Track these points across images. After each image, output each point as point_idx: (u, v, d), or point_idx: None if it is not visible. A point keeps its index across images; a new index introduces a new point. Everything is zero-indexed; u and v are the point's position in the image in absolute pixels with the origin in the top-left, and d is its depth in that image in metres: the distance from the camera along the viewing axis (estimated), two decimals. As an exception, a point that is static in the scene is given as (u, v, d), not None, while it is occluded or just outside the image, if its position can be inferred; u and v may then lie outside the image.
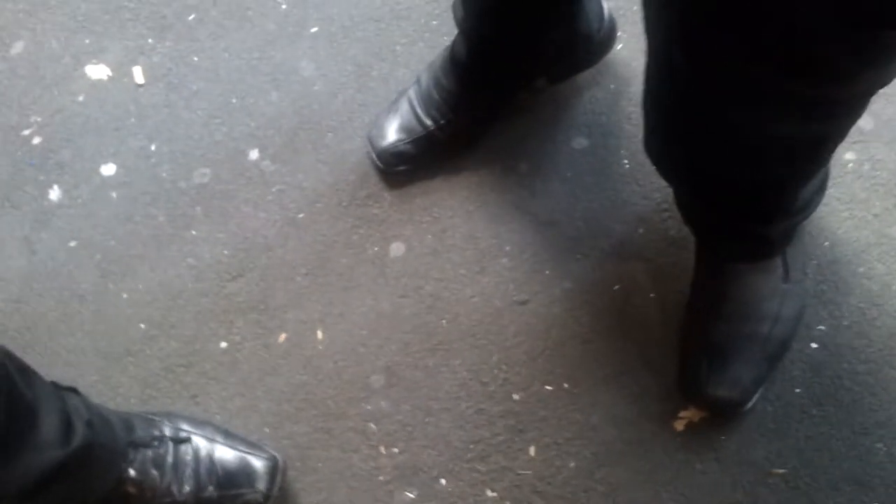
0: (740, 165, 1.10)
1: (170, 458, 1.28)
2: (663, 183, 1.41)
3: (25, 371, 1.13)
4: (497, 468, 1.34)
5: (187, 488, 1.27)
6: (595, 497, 1.31)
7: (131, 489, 1.25)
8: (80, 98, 1.72)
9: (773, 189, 1.16)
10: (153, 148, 1.65)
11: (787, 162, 1.08)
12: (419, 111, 1.52)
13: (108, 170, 1.64)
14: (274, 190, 1.57)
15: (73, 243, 1.57)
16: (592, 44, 1.50)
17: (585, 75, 1.55)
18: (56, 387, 1.19)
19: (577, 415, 1.36)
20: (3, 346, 1.10)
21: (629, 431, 1.34)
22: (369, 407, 1.39)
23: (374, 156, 1.54)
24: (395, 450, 1.37)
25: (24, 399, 1.08)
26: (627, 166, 1.51)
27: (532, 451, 1.35)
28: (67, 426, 1.15)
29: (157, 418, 1.32)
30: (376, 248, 1.50)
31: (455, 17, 1.41)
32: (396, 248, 1.50)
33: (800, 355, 1.35)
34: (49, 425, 1.12)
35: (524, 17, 1.36)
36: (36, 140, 1.69)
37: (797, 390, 1.33)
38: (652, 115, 1.17)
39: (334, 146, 1.60)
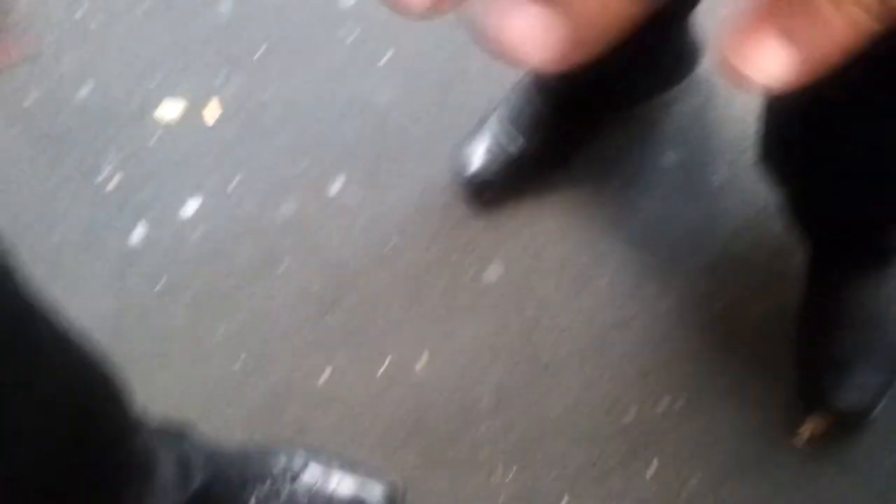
0: (864, 169, 1.09)
1: (286, 490, 1.25)
2: (758, 195, 1.41)
3: (142, 417, 1.11)
4: (617, 489, 1.31)
5: (305, 522, 1.25)
6: (720, 513, 1.28)
7: (251, 525, 1.22)
8: (154, 138, 1.70)
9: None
10: (233, 185, 1.63)
11: None
12: (506, 134, 1.50)
13: (191, 208, 1.62)
14: (361, 220, 1.56)
15: (159, 285, 1.55)
16: (682, 63, 1.49)
17: (674, 91, 1.54)
18: (168, 427, 1.17)
19: (694, 431, 1.33)
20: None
21: (750, 445, 1.32)
22: (482, 430, 1.37)
23: (461, 181, 1.52)
24: (509, 475, 1.34)
25: (142, 445, 1.06)
26: (719, 180, 1.49)
27: (652, 469, 1.32)
28: (185, 468, 1.12)
29: (272, 450, 1.29)
30: (472, 273, 1.48)
31: None
32: (492, 273, 1.48)
33: (921, 358, 1.33)
34: (167, 469, 1.09)
35: (621, 45, 1.35)
36: (112, 184, 1.67)
37: (923, 394, 1.31)
38: (772, 120, 1.15)
39: (419, 173, 1.58)
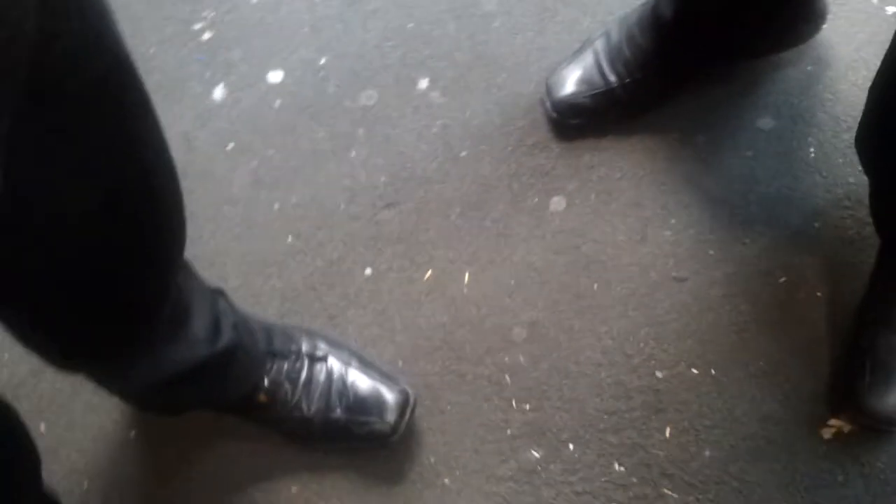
0: None
1: (304, 374, 1.27)
2: (848, 179, 1.35)
3: (187, 268, 1.12)
4: (629, 443, 1.29)
5: (316, 406, 1.26)
6: (726, 491, 1.26)
7: (262, 398, 1.24)
8: None
9: None
10: (323, 62, 1.62)
11: None
12: (604, 65, 1.46)
13: (276, 77, 1.62)
14: (439, 123, 1.53)
15: (230, 146, 1.56)
16: (802, 22, 1.42)
17: (785, 53, 1.47)
18: (206, 286, 1.18)
19: (720, 403, 1.30)
20: None
21: (772, 430, 1.28)
22: (507, 359, 1.35)
23: (548, 104, 1.48)
24: (527, 406, 1.33)
25: (182, 294, 1.07)
26: (813, 155, 1.43)
27: (668, 432, 1.30)
28: (216, 326, 1.14)
29: (296, 332, 1.31)
30: (537, 200, 1.45)
31: None
32: (557, 203, 1.45)
33: (970, 383, 1.27)
34: (200, 323, 1.11)
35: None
36: (206, 35, 1.68)
37: (961, 419, 1.26)
38: (880, 102, 1.10)
39: (507, 87, 1.55)
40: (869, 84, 1.14)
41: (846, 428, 1.27)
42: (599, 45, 1.47)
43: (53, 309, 0.90)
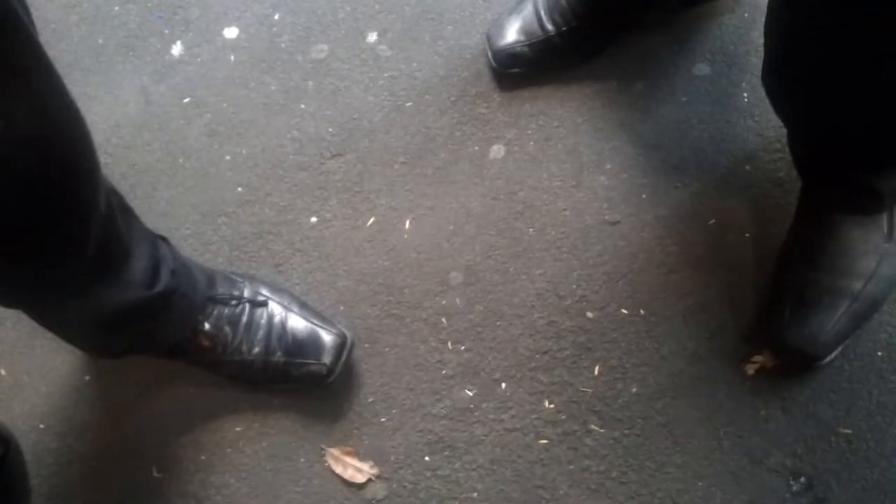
0: (863, 107, 1.06)
1: (244, 319, 1.31)
2: (781, 123, 1.37)
3: (128, 212, 1.16)
4: (559, 381, 1.34)
5: (256, 350, 1.31)
6: (651, 426, 1.30)
7: (204, 342, 1.29)
8: (215, -42, 1.74)
9: (891, 135, 1.11)
10: (276, 17, 1.66)
11: None
12: (543, 14, 1.49)
13: (231, 33, 1.66)
14: (386, 75, 1.57)
15: (186, 99, 1.61)
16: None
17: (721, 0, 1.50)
18: (150, 233, 1.23)
19: (647, 342, 1.34)
20: (112, 184, 1.13)
21: (698, 367, 1.32)
22: (444, 302, 1.40)
23: (490, 54, 1.52)
24: (462, 347, 1.37)
25: (121, 237, 1.11)
26: (746, 100, 1.46)
27: (597, 370, 1.34)
28: (154, 271, 1.19)
29: (239, 279, 1.35)
30: (477, 148, 1.49)
31: None
32: (497, 150, 1.49)
33: (889, 318, 1.30)
34: (138, 266, 1.16)
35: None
36: (167, -7, 1.72)
37: (879, 353, 1.29)
38: (775, 47, 1.12)
39: (452, 39, 1.59)
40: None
41: (769, 364, 1.30)
42: (540, -6, 1.51)
43: None
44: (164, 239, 1.27)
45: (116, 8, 1.72)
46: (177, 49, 1.66)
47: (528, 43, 1.49)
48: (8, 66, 0.82)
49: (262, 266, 1.46)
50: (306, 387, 1.34)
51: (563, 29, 1.47)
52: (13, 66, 0.83)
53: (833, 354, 1.28)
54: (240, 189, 1.52)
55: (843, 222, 1.26)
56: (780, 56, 1.13)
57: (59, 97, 0.92)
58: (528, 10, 1.50)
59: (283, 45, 1.63)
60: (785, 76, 1.15)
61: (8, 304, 1.12)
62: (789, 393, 1.29)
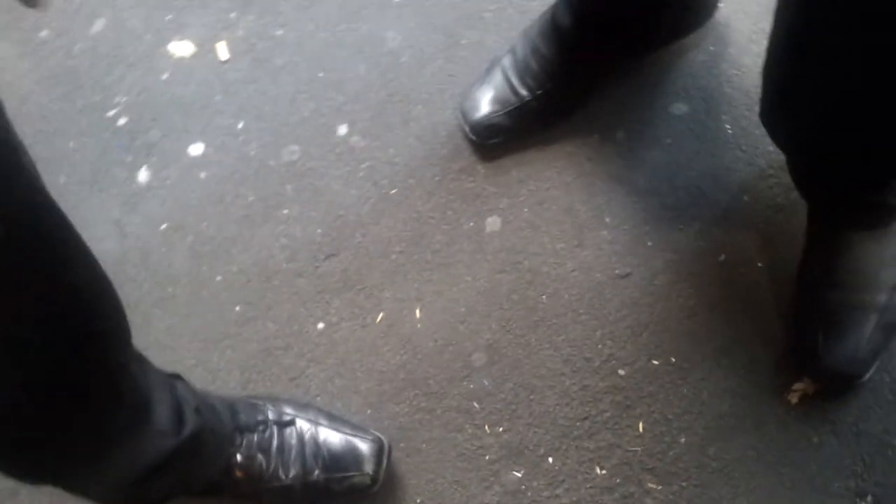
0: (867, 130, 1.06)
1: (275, 442, 1.27)
2: (768, 148, 1.38)
3: (141, 360, 1.12)
4: (605, 445, 1.31)
5: (293, 472, 1.26)
6: (707, 473, 1.28)
7: (239, 474, 1.24)
8: (165, 76, 1.70)
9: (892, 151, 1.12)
10: (241, 126, 1.63)
11: None
12: (514, 81, 1.48)
13: (197, 149, 1.62)
14: (364, 166, 1.55)
15: (164, 226, 1.56)
16: (697, 7, 1.45)
17: (686, 38, 1.50)
18: (163, 374, 1.18)
19: (685, 389, 1.32)
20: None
21: (741, 405, 1.30)
22: (471, 386, 1.37)
23: (466, 129, 1.50)
24: (500, 429, 1.34)
25: (139, 388, 1.07)
26: (730, 131, 1.46)
27: (640, 426, 1.31)
28: (179, 414, 1.14)
29: (259, 402, 1.31)
30: (472, 224, 1.47)
31: None
32: (492, 223, 1.47)
33: (919, 324, 1.30)
34: (162, 413, 1.11)
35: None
36: (122, 121, 1.68)
37: (918, 361, 1.29)
38: (773, 82, 1.13)
39: (425, 119, 1.57)
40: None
41: (810, 390, 1.29)
42: (506, 62, 1.50)
43: (10, 429, 0.90)
44: (177, 376, 1.22)
45: (71, 144, 1.68)
46: (143, 175, 1.61)
47: (504, 112, 1.48)
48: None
49: (277, 383, 1.41)
50: (351, 501, 1.29)
51: (539, 92, 1.46)
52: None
53: (872, 370, 1.27)
54: (238, 308, 1.47)
55: (857, 238, 1.26)
56: (780, 93, 1.13)
57: (92, 268, 0.90)
58: (498, 78, 1.49)
59: (252, 153, 1.60)
60: (786, 112, 1.15)
61: (46, 480, 1.06)
62: (836, 415, 1.28)
